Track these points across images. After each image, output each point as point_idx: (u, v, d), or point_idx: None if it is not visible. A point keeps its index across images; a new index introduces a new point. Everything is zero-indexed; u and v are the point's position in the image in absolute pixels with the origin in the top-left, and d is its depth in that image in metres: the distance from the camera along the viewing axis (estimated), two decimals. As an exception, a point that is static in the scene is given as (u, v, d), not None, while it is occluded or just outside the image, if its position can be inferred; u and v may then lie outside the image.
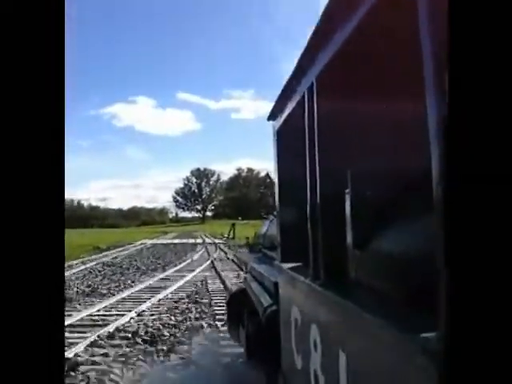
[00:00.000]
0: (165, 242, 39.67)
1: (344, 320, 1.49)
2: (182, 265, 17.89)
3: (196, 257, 22.03)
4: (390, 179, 1.63)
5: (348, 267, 1.76)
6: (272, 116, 3.01)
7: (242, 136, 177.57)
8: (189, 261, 19.50)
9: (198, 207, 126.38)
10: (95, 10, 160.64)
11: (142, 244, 36.11)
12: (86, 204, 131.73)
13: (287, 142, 2.77)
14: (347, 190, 1.76)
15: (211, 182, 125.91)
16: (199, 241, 39.09)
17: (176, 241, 40.91)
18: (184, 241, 39.76)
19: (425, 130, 0.93)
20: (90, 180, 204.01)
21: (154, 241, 42.37)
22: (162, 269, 16.85)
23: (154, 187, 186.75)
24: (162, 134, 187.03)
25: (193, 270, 15.58)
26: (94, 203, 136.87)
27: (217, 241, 34.54)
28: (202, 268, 16.40)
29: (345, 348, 1.47)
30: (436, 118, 0.89)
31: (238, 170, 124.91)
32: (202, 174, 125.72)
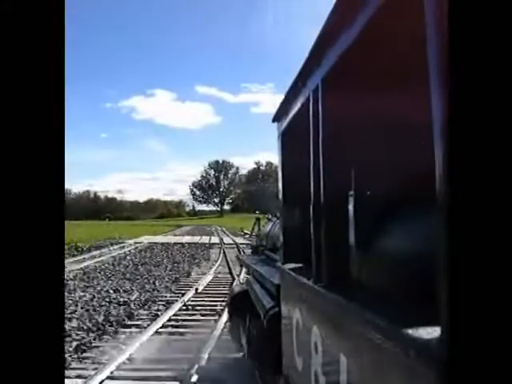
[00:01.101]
0: (170, 240, 30.02)
1: (346, 322, 1.48)
2: (170, 313, 7.53)
3: (208, 278, 11.60)
4: (394, 181, 1.63)
5: (351, 269, 1.76)
6: (277, 118, 3.01)
7: (261, 130, 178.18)
8: (190, 295, 9.21)
9: (216, 200, 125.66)
10: (113, 4, 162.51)
11: (136, 244, 26.74)
12: (102, 196, 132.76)
13: (291, 143, 2.77)
14: (351, 192, 1.76)
15: (230, 175, 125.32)
16: (215, 240, 29.99)
17: (185, 239, 31.68)
18: (196, 239, 30.95)
19: (429, 131, 0.92)
20: (110, 172, 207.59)
21: (158, 238, 32.80)
22: (122, 323, 6.94)
23: (173, 180, 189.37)
24: (181, 127, 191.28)
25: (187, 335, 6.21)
26: (112, 195, 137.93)
27: (239, 240, 26.21)
28: (216, 332, 6.33)
29: (346, 351, 1.46)
30: (440, 120, 0.88)
31: (257, 163, 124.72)
32: (220, 167, 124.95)
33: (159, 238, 33.53)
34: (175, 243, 27.11)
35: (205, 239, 31.38)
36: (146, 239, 31.80)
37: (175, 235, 40.17)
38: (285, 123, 2.77)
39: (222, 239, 30.11)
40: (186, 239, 31.75)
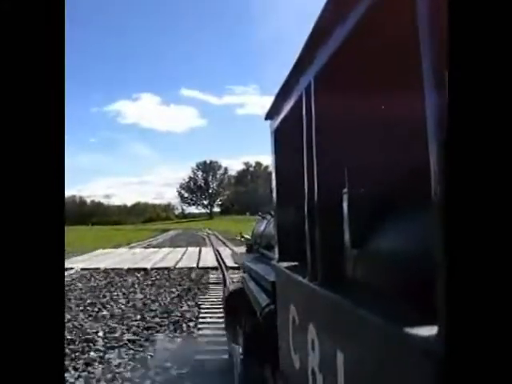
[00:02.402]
0: (131, 261, 17.91)
1: (342, 319, 1.49)
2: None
3: None
4: (388, 178, 1.63)
5: (346, 266, 1.76)
6: (269, 115, 3.01)
7: (248, 131, 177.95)
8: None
9: (205, 202, 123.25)
10: (98, 9, 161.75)
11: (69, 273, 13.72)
12: (88, 201, 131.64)
13: (284, 141, 2.77)
14: (345, 190, 1.76)
15: (218, 176, 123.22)
16: (209, 255, 19.39)
17: (160, 255, 20.45)
18: (177, 255, 20.08)
19: (424, 129, 0.93)
20: (97, 177, 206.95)
21: (116, 255, 21.09)
22: None
23: (161, 184, 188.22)
24: (167, 131, 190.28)
25: None
26: (100, 200, 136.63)
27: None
28: None
29: (343, 347, 1.46)
30: (435, 118, 0.89)
31: (246, 163, 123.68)
32: (208, 167, 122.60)
33: (119, 254, 22.34)
34: (131, 270, 14.99)
35: (192, 253, 20.52)
36: (87, 260, 18.98)
37: (148, 246, 28.33)
38: (278, 121, 2.77)
39: (220, 253, 18.85)
40: (162, 255, 20.75)
